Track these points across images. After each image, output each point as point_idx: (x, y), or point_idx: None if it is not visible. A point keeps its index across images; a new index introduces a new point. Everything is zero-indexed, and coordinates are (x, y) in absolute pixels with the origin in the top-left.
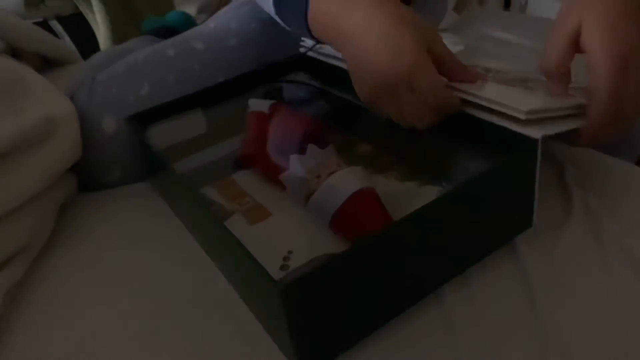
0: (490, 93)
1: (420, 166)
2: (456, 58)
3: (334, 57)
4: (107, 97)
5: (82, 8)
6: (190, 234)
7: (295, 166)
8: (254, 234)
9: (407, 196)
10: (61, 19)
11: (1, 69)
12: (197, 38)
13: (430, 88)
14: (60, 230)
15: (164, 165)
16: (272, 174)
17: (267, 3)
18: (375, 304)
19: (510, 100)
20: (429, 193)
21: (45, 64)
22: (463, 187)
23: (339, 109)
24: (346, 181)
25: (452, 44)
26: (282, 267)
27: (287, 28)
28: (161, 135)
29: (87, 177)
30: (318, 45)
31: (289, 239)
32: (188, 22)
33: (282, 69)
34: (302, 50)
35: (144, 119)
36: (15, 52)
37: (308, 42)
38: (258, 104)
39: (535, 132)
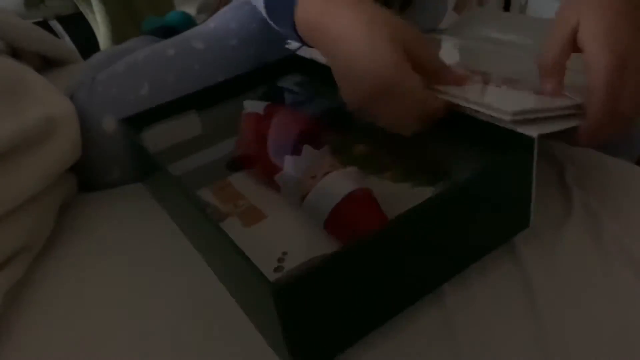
0: (476, 95)
1: (416, 167)
2: (439, 59)
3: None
4: (107, 96)
5: (82, 8)
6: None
7: (290, 167)
8: (248, 236)
9: (403, 197)
10: (61, 19)
11: (1, 69)
12: (197, 38)
13: (411, 95)
14: (60, 230)
15: (159, 167)
16: (267, 175)
17: (259, 2)
18: (371, 305)
19: (496, 102)
20: (424, 194)
21: (45, 64)
22: (458, 186)
23: (334, 110)
24: (341, 182)
25: (452, 44)
26: (277, 269)
27: (277, 28)
28: (155, 137)
29: (87, 176)
30: (303, 48)
31: (283, 241)
32: (188, 22)
33: (278, 70)
34: (287, 47)
35: (138, 121)
36: (15, 52)
37: (293, 45)
38: (253, 105)
39: (532, 131)
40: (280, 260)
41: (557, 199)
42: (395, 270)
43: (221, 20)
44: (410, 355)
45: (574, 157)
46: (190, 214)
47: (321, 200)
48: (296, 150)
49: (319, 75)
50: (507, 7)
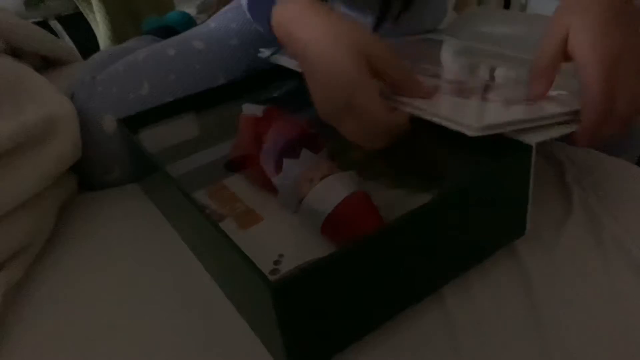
0: (439, 108)
1: (413, 172)
2: (407, 73)
3: None
4: (108, 96)
5: (82, 8)
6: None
7: (288, 170)
8: (244, 238)
9: (400, 201)
10: (61, 19)
11: (1, 69)
12: (198, 38)
13: (371, 111)
14: (60, 230)
15: (156, 168)
16: (264, 178)
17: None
18: (368, 307)
19: (460, 116)
20: (422, 198)
21: (45, 63)
22: (455, 192)
23: None
24: (338, 186)
25: (452, 47)
26: (273, 272)
27: (256, 25)
28: (153, 138)
29: (87, 176)
30: (276, 55)
31: (280, 244)
32: (188, 22)
33: (277, 74)
34: (260, 55)
35: (136, 122)
36: (15, 52)
37: (265, 53)
38: (252, 109)
39: (529, 139)
40: (276, 262)
41: (557, 199)
42: (392, 273)
43: (221, 20)
44: (410, 355)
45: (574, 157)
46: (188, 215)
47: (318, 203)
48: (294, 154)
49: None
50: (507, 7)
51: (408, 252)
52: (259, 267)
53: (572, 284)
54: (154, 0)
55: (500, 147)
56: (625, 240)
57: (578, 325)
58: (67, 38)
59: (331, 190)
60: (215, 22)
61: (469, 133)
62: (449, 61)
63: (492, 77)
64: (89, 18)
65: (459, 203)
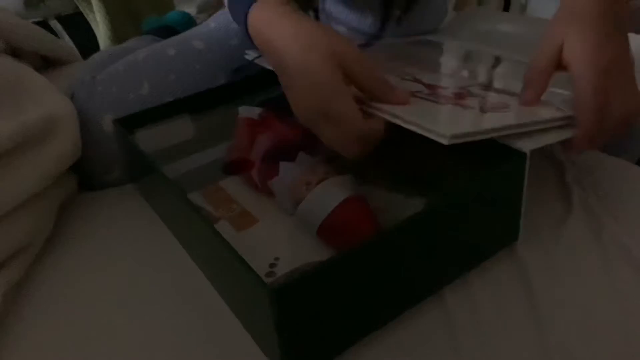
0: (413, 115)
1: (409, 176)
2: (380, 79)
3: None
4: (108, 96)
5: (82, 8)
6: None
7: (284, 173)
8: (240, 240)
9: (396, 206)
10: (61, 19)
11: (1, 69)
12: (198, 37)
13: (347, 116)
14: (60, 230)
15: (152, 168)
16: (260, 180)
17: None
18: (364, 311)
19: (433, 123)
20: (417, 203)
21: (45, 63)
22: (450, 198)
23: None
24: (335, 189)
25: (453, 49)
26: (268, 274)
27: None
28: (149, 139)
29: (87, 175)
30: (261, 57)
31: (275, 246)
32: (188, 22)
33: (275, 76)
34: (246, 57)
35: (132, 122)
36: (15, 52)
37: (251, 54)
38: (248, 111)
39: (524, 145)
40: (272, 265)
41: (557, 199)
42: (387, 279)
43: (221, 20)
44: (410, 354)
45: (574, 157)
46: (184, 217)
47: (315, 207)
48: (291, 157)
49: None
50: (507, 7)
51: (401, 260)
52: (254, 270)
53: (572, 284)
54: (154, 0)
55: (495, 153)
56: (625, 240)
57: (578, 325)
58: (67, 38)
59: (328, 194)
60: (215, 22)
61: (442, 141)
62: (437, 65)
63: (477, 83)
64: (89, 18)
65: (453, 210)
